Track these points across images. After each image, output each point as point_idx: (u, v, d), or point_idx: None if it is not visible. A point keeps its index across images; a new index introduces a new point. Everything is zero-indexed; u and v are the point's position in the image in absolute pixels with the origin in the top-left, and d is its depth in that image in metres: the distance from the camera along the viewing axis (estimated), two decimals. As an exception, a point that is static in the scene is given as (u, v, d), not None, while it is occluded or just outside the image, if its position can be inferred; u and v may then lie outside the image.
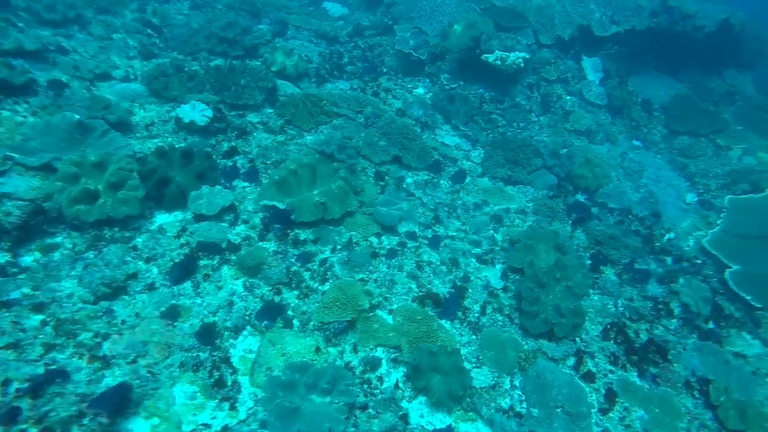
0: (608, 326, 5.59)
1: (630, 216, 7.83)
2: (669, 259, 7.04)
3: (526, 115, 9.75)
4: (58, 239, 5.03)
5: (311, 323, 4.87)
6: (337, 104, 8.12)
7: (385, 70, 10.34)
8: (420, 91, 9.84)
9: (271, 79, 8.10)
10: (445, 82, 9.82)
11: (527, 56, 9.57)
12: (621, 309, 5.90)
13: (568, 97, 10.49)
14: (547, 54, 10.66)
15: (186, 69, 7.68)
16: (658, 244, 7.44)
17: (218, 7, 11.36)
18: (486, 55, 9.49)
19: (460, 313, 5.33)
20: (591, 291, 6.12)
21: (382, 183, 7.06)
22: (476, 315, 5.38)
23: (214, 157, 6.35)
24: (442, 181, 7.71)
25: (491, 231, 6.84)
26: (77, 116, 5.78)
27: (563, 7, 10.89)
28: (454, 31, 9.87)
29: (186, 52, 8.76)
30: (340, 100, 8.31)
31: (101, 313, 4.47)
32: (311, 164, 6.10)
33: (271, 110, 7.87)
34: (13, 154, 5.35)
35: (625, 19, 11.09)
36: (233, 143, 6.77)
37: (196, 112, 6.62)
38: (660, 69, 12.38)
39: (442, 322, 5.20)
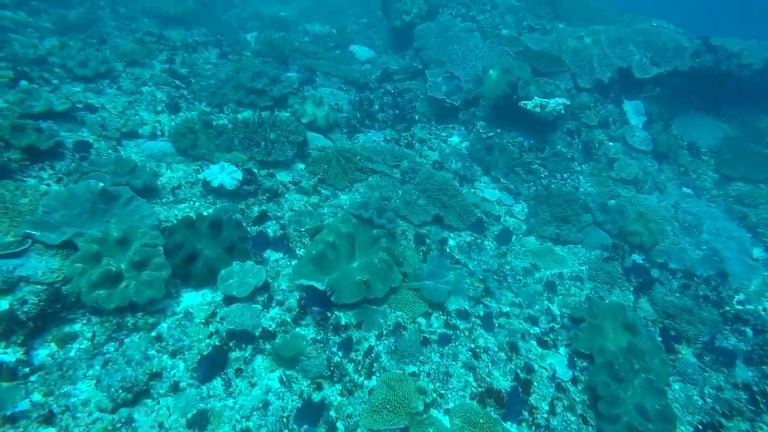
0: (700, 427, 4.78)
1: (695, 278, 7.05)
2: (749, 330, 6.22)
3: (569, 164, 9.10)
4: (77, 327, 4.47)
5: (358, 431, 4.18)
6: (372, 159, 7.59)
7: (417, 117, 9.85)
8: (455, 139, 9.30)
9: (301, 132, 7.64)
10: (481, 130, 9.27)
11: (567, 102, 8.99)
12: (710, 402, 5.09)
13: (611, 143, 9.84)
14: (587, 98, 10.08)
15: (214, 124, 7.24)
16: (729, 309, 6.64)
17: (246, 54, 11.09)
18: (524, 102, 8.93)
19: (526, 413, 4.59)
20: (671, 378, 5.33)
21: (423, 248, 6.43)
22: (545, 415, 4.63)
23: (244, 224, 5.81)
24: (486, 242, 7.06)
25: (546, 302, 6.13)
26: (101, 184, 5.30)
27: (601, 50, 10.35)
28: (489, 77, 9.37)
29: (214, 104, 8.38)
30: (375, 153, 7.78)
31: (120, 425, 3.85)
32: (349, 233, 5.51)
33: (303, 165, 7.36)
34: (33, 232, 4.86)
35: (666, 60, 10.49)
36: (264, 207, 6.24)
37: (224, 174, 6.13)
38: (701, 109, 11.68)
39: (507, 425, 4.46)
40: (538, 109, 8.82)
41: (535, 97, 8.98)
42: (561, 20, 11.90)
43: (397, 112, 9.82)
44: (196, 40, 11.52)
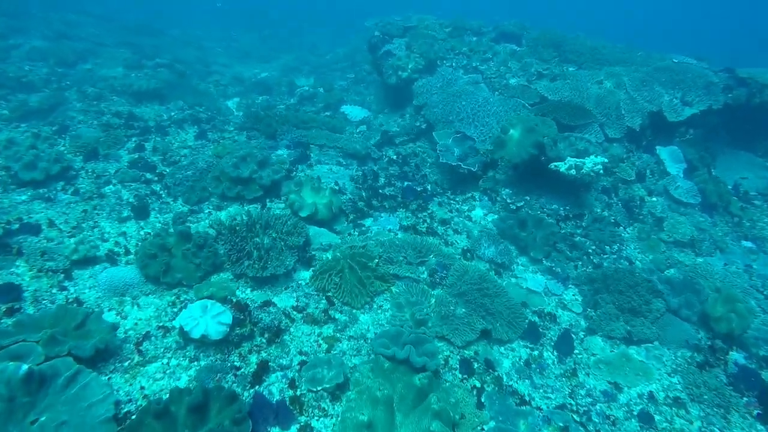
0: None
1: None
2: None
3: (613, 231, 7.60)
4: None
5: None
6: (392, 259, 6.00)
7: (429, 188, 8.37)
8: (478, 212, 7.79)
9: (301, 231, 6.08)
10: (507, 200, 7.79)
11: (605, 160, 7.56)
12: None
13: (654, 199, 8.41)
14: (619, 149, 8.71)
15: (193, 233, 5.65)
16: None
17: (229, 129, 9.65)
18: (556, 164, 7.49)
19: None
20: None
21: (476, 382, 4.79)
22: None
23: (239, 390, 4.14)
24: (546, 353, 5.45)
25: (651, 449, 4.47)
26: (24, 367, 3.64)
27: (627, 94, 9.06)
28: (510, 138, 7.96)
29: (192, 201, 6.82)
30: (393, 249, 6.21)
31: None
32: (387, 398, 3.86)
33: (307, 274, 5.76)
34: None
35: (699, 98, 9.22)
36: (264, 353, 4.58)
37: (208, 317, 4.49)
38: (734, 145, 10.38)
39: None
40: (573, 172, 7.37)
41: (568, 158, 7.55)
42: (569, 63, 10.69)
43: (406, 184, 8.33)
44: (171, 116, 10.08)
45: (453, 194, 8.25)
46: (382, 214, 7.26)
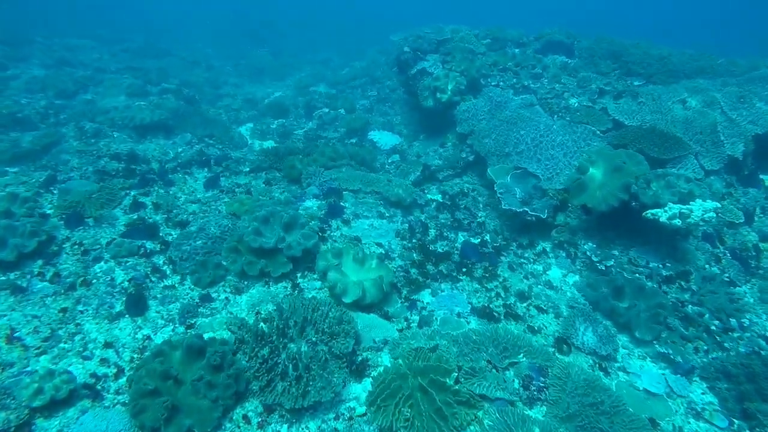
0: None
1: None
2: None
3: (730, 292, 5.88)
4: None
5: None
6: (474, 369, 4.33)
7: (488, 240, 6.70)
8: (556, 273, 6.11)
9: (349, 330, 4.44)
10: (592, 256, 6.09)
11: (718, 205, 5.83)
12: None
13: (768, 245, 6.66)
14: (718, 183, 6.97)
15: (206, 351, 4.03)
16: None
17: (244, 170, 8.05)
18: (653, 212, 5.78)
19: None
20: None
21: None
22: None
23: None
24: (701, 507, 3.75)
25: None
26: None
27: (723, 115, 7.31)
28: (591, 179, 6.26)
29: (203, 282, 5.20)
30: (471, 349, 4.54)
31: None
32: None
33: (359, 389, 4.13)
34: None
35: (806, 116, 7.44)
36: None
37: None
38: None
39: None
40: (677, 222, 5.65)
41: (669, 203, 5.83)
42: (633, 76, 8.95)
43: (463, 237, 6.68)
44: (178, 153, 8.54)
45: (519, 247, 6.57)
46: (442, 286, 5.59)
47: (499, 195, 6.87)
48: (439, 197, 7.82)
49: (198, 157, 8.31)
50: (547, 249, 6.53)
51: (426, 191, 8.03)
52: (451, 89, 8.78)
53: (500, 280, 5.71)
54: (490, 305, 5.27)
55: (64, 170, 7.60)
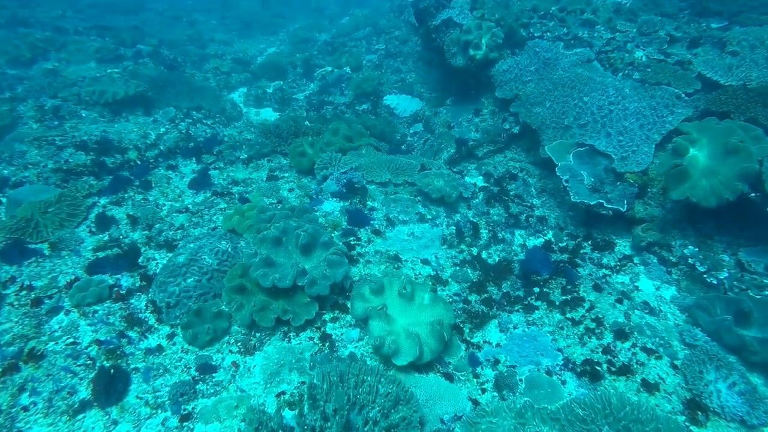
0: None
1: None
2: None
3: None
4: None
5: None
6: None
7: (552, 238, 5.21)
8: (648, 287, 4.65)
9: (412, 421, 3.04)
10: (697, 264, 4.62)
11: None
12: None
13: None
14: (838, 158, 5.36)
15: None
16: None
17: (241, 156, 6.37)
18: (783, 207, 4.25)
19: None
20: None
21: None
22: None
23: None
24: None
25: None
26: None
27: None
28: (693, 164, 4.66)
29: (202, 341, 3.70)
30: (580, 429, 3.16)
31: None
32: None
33: None
34: None
35: None
36: None
37: None
38: None
39: None
40: (816, 220, 4.14)
41: (805, 196, 4.29)
42: (711, 17, 7.08)
43: (521, 233, 5.17)
44: (161, 134, 6.83)
45: (595, 249, 5.07)
46: (513, 318, 4.14)
47: (564, 183, 5.29)
48: (480, 180, 6.23)
49: (184, 143, 6.59)
50: (627, 250, 5.04)
51: (464, 173, 6.43)
52: (486, 44, 6.93)
53: (586, 306, 4.26)
54: (587, 351, 3.84)
55: (17, 167, 5.93)
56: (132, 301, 3.94)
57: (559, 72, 6.42)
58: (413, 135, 7.88)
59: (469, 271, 4.56)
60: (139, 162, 6.16)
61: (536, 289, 4.46)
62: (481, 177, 6.32)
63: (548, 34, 7.09)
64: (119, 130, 7.16)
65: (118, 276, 4.15)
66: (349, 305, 3.94)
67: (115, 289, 4.01)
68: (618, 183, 5.37)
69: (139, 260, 4.37)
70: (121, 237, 4.62)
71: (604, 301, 4.30)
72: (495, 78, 6.87)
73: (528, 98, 6.39)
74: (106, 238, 4.57)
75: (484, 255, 4.92)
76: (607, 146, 5.52)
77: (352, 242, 4.56)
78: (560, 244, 5.17)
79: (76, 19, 11.98)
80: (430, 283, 4.22)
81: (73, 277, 4.05)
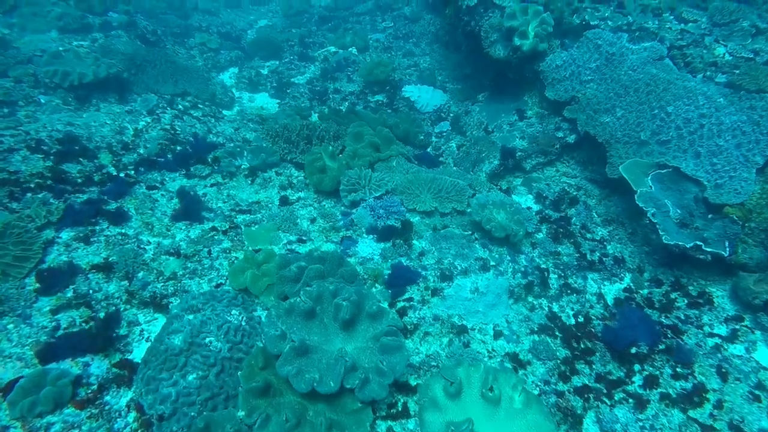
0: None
1: None
2: None
3: None
4: None
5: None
6: None
7: (632, 285, 4.15)
8: (765, 357, 3.67)
9: None
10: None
11: None
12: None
13: None
14: None
15: None
16: None
17: (243, 165, 5.03)
18: None
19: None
20: None
21: None
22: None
23: None
24: None
25: None
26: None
27: None
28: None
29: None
30: None
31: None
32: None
33: None
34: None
35: None
36: None
37: None
38: None
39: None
40: None
41: None
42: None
43: (593, 277, 4.08)
44: (140, 131, 5.41)
45: (691, 306, 4.03)
46: (617, 412, 3.09)
47: (650, 217, 4.18)
48: (531, 202, 5.08)
49: (169, 143, 5.17)
50: (727, 304, 4.03)
51: (511, 190, 5.26)
52: (534, 32, 5.63)
53: (713, 400, 3.22)
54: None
55: (-47, 178, 4.45)
56: (110, 412, 2.69)
57: (625, 71, 5.21)
58: (438, 135, 6.62)
59: (550, 341, 3.46)
60: (113, 171, 4.75)
61: (636, 366, 3.40)
62: (531, 197, 5.17)
63: (608, 22, 5.82)
64: (88, 122, 5.69)
65: (86, 360, 2.88)
66: (412, 410, 2.80)
67: (83, 387, 2.75)
68: (712, 218, 4.30)
69: (117, 331, 3.09)
70: (90, 292, 3.31)
71: (733, 392, 3.28)
72: (545, 74, 5.62)
73: (590, 103, 5.19)
74: (69, 295, 3.25)
75: (555, 308, 3.83)
76: (697, 169, 4.43)
77: (399, 304, 3.38)
78: (644, 293, 4.11)
79: (33, -22, 9.94)
80: (510, 366, 3.11)
81: (16, 375, 2.76)
